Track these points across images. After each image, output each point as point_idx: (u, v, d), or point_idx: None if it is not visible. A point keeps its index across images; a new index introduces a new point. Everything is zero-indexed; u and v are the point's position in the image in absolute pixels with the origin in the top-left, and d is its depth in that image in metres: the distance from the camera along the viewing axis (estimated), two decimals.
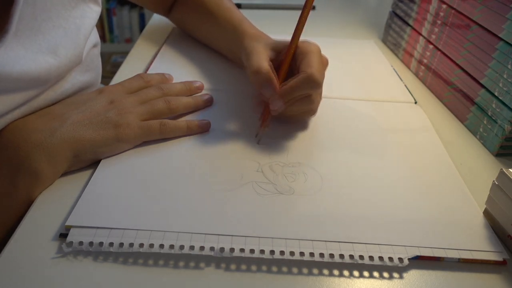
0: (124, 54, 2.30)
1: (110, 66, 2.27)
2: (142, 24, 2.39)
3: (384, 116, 0.53)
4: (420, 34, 0.64)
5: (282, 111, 0.45)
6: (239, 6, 0.90)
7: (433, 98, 0.60)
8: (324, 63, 0.47)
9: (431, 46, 0.61)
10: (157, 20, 0.78)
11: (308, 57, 0.45)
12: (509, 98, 0.46)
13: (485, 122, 0.50)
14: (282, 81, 0.46)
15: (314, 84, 0.44)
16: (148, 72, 0.59)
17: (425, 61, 0.63)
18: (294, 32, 0.47)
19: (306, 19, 0.47)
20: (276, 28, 0.66)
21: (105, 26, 2.36)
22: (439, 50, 0.59)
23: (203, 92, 0.54)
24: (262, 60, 0.46)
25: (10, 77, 0.36)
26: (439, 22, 0.59)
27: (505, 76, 0.47)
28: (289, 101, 0.45)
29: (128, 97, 0.46)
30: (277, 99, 0.44)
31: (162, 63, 0.62)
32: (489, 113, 0.49)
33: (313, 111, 0.49)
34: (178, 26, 0.71)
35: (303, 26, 0.47)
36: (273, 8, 0.92)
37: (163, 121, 0.45)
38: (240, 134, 0.47)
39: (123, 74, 0.59)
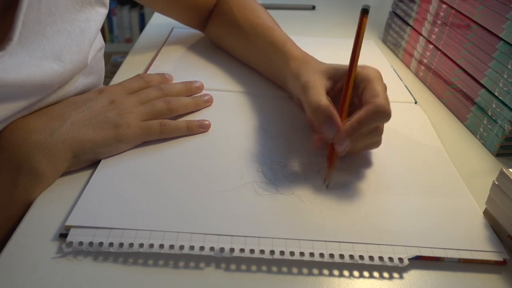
0: (124, 54, 2.30)
1: (110, 66, 2.27)
2: (142, 24, 2.39)
3: None
4: (420, 34, 0.64)
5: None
6: None
7: (433, 98, 0.60)
8: (386, 89, 0.43)
9: (431, 46, 0.61)
10: (157, 20, 0.78)
11: (372, 85, 0.41)
12: (509, 98, 0.46)
13: (485, 122, 0.50)
14: (344, 114, 0.42)
15: (384, 116, 0.39)
16: (148, 72, 0.59)
17: (425, 61, 0.63)
18: (351, 58, 0.43)
19: (361, 43, 0.43)
20: None
21: (105, 26, 2.36)
22: (439, 50, 0.59)
23: (203, 92, 0.54)
24: (320, 94, 0.42)
25: (14, 84, 0.36)
26: (439, 22, 0.59)
27: (505, 76, 0.47)
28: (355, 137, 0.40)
29: (128, 97, 0.46)
30: (343, 138, 0.39)
31: (162, 63, 0.61)
32: (489, 113, 0.49)
33: (379, 142, 0.44)
34: (214, 42, 0.67)
35: (359, 51, 0.43)
36: (273, 8, 0.92)
37: (163, 121, 0.45)
38: (240, 134, 0.47)
39: (123, 74, 0.59)
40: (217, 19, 0.64)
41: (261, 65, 0.59)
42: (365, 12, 0.44)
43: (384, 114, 0.39)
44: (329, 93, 0.44)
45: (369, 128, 0.40)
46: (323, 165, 0.43)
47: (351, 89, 0.43)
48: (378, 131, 0.42)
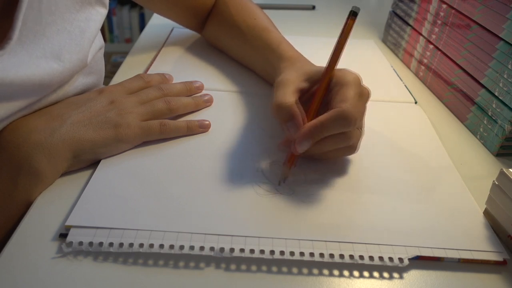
0: (124, 54, 2.30)
1: (110, 66, 2.27)
2: (142, 24, 2.39)
3: (384, 116, 0.53)
4: (420, 34, 0.64)
5: (312, 150, 0.40)
6: None
7: (433, 98, 0.60)
8: (364, 95, 0.42)
9: (431, 46, 0.61)
10: (157, 20, 0.78)
11: (344, 89, 0.40)
12: (509, 98, 0.46)
13: (485, 122, 0.50)
14: (314, 117, 0.40)
15: (346, 122, 0.38)
16: (148, 72, 0.59)
17: (425, 61, 0.63)
18: (329, 59, 0.42)
19: (343, 46, 0.42)
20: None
21: (105, 26, 2.36)
22: (439, 50, 0.59)
23: (203, 92, 0.54)
24: (288, 93, 0.41)
25: (13, 83, 0.36)
26: (439, 22, 0.59)
27: (505, 76, 0.47)
28: (318, 140, 0.39)
29: (128, 97, 0.46)
30: (302, 138, 0.38)
31: (162, 63, 0.61)
32: (489, 113, 0.49)
33: (352, 148, 0.42)
34: (211, 42, 0.68)
35: (340, 54, 0.42)
36: (273, 8, 0.92)
37: (163, 121, 0.45)
38: (240, 134, 0.47)
39: (123, 74, 0.59)
40: (215, 20, 0.64)
41: (257, 66, 0.59)
42: (353, 14, 0.43)
43: (346, 120, 0.38)
44: (304, 94, 0.43)
45: (332, 133, 0.39)
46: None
47: (323, 89, 0.42)
48: (346, 137, 0.40)
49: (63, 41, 0.41)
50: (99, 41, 0.48)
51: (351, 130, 0.40)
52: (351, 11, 0.43)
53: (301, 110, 0.40)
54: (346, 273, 0.33)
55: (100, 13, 0.46)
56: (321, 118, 0.38)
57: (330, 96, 0.41)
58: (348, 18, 0.43)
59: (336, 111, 0.38)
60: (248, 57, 0.60)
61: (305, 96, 0.43)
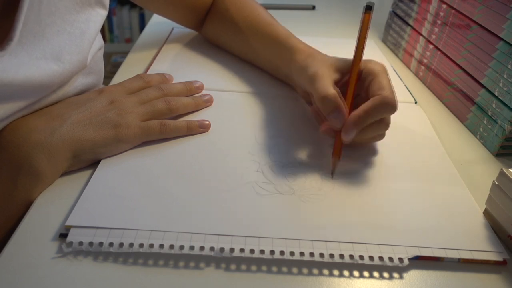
0: (124, 54, 2.29)
1: (110, 66, 2.27)
2: (142, 24, 2.39)
3: None
4: (420, 34, 0.64)
5: (354, 139, 0.42)
6: None
7: (433, 98, 0.60)
8: (390, 82, 0.44)
9: (431, 46, 0.61)
10: (157, 20, 0.78)
11: (378, 78, 0.43)
12: (509, 98, 0.46)
13: (485, 122, 0.50)
14: (350, 106, 0.43)
15: (390, 108, 0.41)
16: (148, 72, 0.59)
17: (425, 61, 0.63)
18: (355, 51, 0.45)
19: (365, 38, 0.45)
20: None
21: (105, 26, 2.36)
22: (439, 50, 0.59)
23: (203, 92, 0.54)
24: (328, 84, 0.43)
25: (13, 84, 0.36)
26: (439, 22, 0.59)
27: (505, 76, 0.47)
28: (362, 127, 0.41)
29: (128, 97, 0.46)
30: (351, 127, 0.41)
31: (162, 63, 0.61)
32: (489, 113, 0.49)
33: (383, 136, 0.45)
34: (211, 41, 0.68)
35: (363, 46, 0.45)
36: (273, 8, 0.92)
37: (163, 121, 0.45)
38: (240, 134, 0.47)
39: (123, 74, 0.59)
40: (215, 17, 0.64)
41: (263, 60, 0.59)
42: (368, 9, 0.45)
43: (390, 105, 0.41)
44: (336, 85, 0.44)
45: (375, 120, 0.42)
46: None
47: (356, 79, 0.44)
48: (384, 124, 0.43)
49: (63, 42, 0.41)
50: (99, 41, 0.48)
51: (388, 116, 0.43)
52: (365, 5, 0.46)
53: (343, 100, 0.42)
54: (346, 273, 0.33)
55: (100, 15, 0.46)
56: (365, 106, 0.41)
57: (365, 86, 0.44)
58: (363, 13, 0.45)
59: (378, 98, 0.41)
60: (252, 52, 0.60)
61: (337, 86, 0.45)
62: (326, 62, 0.47)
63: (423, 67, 0.64)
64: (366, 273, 0.34)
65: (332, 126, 0.43)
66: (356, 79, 0.44)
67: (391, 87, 0.42)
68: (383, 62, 0.67)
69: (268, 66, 0.59)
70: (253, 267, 0.33)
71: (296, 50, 0.52)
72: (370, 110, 0.41)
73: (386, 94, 0.41)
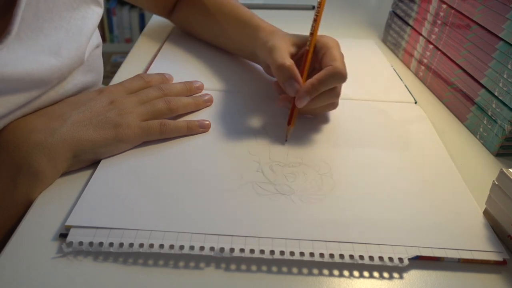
0: (124, 54, 2.29)
1: (110, 66, 2.27)
2: (142, 24, 2.39)
3: (384, 116, 0.53)
4: (420, 34, 0.64)
5: (306, 106, 0.46)
6: None
7: (433, 98, 0.60)
8: (343, 56, 0.48)
9: (431, 46, 0.61)
10: (157, 20, 0.78)
11: (330, 51, 0.47)
12: (509, 98, 0.46)
13: (485, 122, 0.50)
14: (305, 76, 0.48)
15: (341, 77, 0.45)
16: (148, 72, 0.59)
17: (425, 61, 0.63)
18: (312, 27, 0.49)
19: (322, 13, 0.49)
20: None
21: (105, 26, 2.36)
22: (439, 50, 0.59)
23: (203, 92, 0.54)
24: (285, 55, 0.47)
25: (12, 78, 0.36)
26: (439, 22, 0.59)
27: (505, 76, 0.47)
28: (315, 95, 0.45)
29: (128, 97, 0.46)
30: (304, 94, 0.45)
31: (162, 63, 0.62)
32: (489, 113, 0.49)
33: (336, 105, 0.50)
34: (181, 27, 0.71)
35: (320, 20, 0.49)
36: (273, 8, 0.92)
37: (163, 121, 0.45)
38: (240, 134, 0.47)
39: (123, 74, 0.59)
40: (183, 4, 0.66)
41: (230, 41, 0.62)
42: None
43: (340, 75, 0.45)
44: (292, 58, 0.48)
45: (328, 88, 0.45)
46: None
47: (311, 52, 0.49)
48: (335, 92, 0.47)
49: (61, 38, 0.41)
50: (97, 38, 0.49)
51: (339, 86, 0.47)
52: None
53: (298, 70, 0.46)
54: (346, 273, 0.33)
55: (96, 12, 0.47)
56: (318, 76, 0.45)
57: (319, 58, 0.48)
58: None
59: (330, 68, 0.45)
60: (220, 36, 0.64)
61: (293, 59, 0.48)
62: (284, 37, 0.51)
63: (423, 67, 0.64)
64: (366, 273, 0.34)
65: (288, 93, 0.46)
66: (312, 52, 0.49)
67: (342, 59, 0.47)
68: (383, 62, 0.68)
69: (233, 46, 0.63)
70: (253, 267, 0.33)
71: (260, 28, 0.55)
72: (322, 78, 0.44)
73: (337, 64, 0.45)
